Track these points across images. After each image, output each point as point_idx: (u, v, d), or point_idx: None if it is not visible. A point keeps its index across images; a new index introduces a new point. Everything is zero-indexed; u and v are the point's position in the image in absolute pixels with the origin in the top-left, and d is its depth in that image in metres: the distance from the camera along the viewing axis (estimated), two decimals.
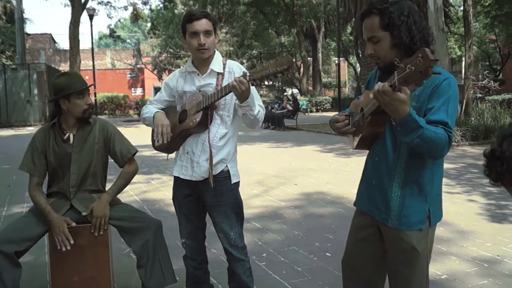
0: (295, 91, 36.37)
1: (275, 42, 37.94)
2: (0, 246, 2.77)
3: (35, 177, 3.11)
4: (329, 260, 4.11)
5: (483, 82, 17.15)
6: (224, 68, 2.86)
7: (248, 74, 2.53)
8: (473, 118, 13.83)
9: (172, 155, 3.05)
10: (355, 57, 36.17)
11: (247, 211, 5.83)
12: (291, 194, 6.87)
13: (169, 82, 2.99)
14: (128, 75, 40.36)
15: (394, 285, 2.20)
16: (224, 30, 28.80)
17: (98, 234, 2.99)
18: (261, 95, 36.99)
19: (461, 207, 5.92)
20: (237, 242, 2.89)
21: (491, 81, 16.96)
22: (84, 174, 3.14)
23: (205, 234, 3.08)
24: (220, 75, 2.84)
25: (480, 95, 22.26)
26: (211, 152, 2.77)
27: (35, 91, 23.66)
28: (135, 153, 3.29)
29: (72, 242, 2.93)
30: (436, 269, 3.85)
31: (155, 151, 3.03)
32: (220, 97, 2.68)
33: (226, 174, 2.84)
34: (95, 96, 25.81)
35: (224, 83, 2.74)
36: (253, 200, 6.46)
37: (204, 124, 2.77)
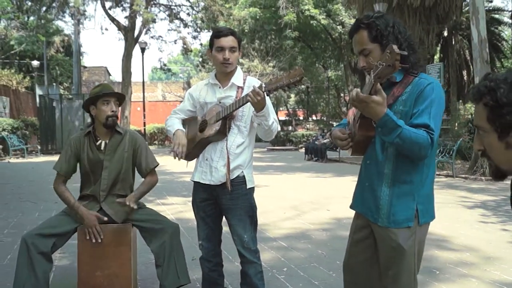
0: None
1: (323, 77, 38.18)
2: (36, 243, 3.07)
3: (62, 176, 3.43)
4: None
5: None
6: (244, 83, 3.10)
7: (263, 85, 2.75)
8: None
9: (192, 162, 3.27)
10: None
11: (276, 232, 6.01)
12: (322, 218, 6.96)
13: (193, 93, 3.25)
14: None
15: (385, 284, 2.30)
16: (271, 64, 29.33)
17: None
18: (307, 129, 37.18)
19: (492, 235, 5.84)
20: (250, 245, 3.06)
21: None
22: (114, 180, 3.42)
23: (220, 238, 3.26)
24: (240, 88, 3.07)
25: None
26: (228, 158, 2.99)
27: (89, 120, 24.64)
28: (156, 166, 3.55)
29: (102, 236, 3.23)
30: None
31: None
32: (238, 107, 2.91)
33: (241, 179, 3.04)
34: (144, 125, 26.66)
35: None
36: (284, 222, 6.58)
37: (223, 133, 3.00)
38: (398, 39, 2.16)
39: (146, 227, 3.28)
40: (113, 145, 3.44)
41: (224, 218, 3.18)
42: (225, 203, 3.06)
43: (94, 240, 3.21)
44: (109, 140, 3.45)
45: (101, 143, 3.44)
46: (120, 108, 3.50)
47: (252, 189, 3.13)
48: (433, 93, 2.10)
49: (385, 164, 2.21)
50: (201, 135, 3.09)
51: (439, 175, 13.17)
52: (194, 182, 3.18)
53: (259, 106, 2.79)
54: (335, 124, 38.36)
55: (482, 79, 1.48)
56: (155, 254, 3.22)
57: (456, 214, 7.26)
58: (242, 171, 3.06)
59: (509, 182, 1.70)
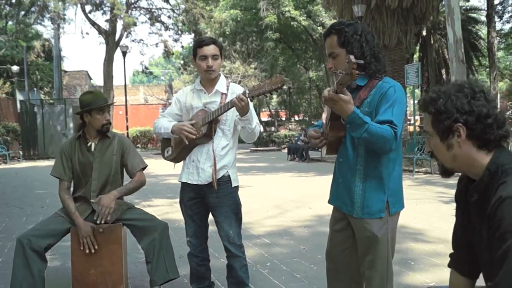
0: None
1: (304, 78, 38.51)
2: (30, 242, 3.23)
3: (65, 181, 3.58)
4: None
5: (508, 113, 17.20)
6: (227, 89, 3.31)
7: (247, 92, 2.97)
8: None
9: (179, 165, 3.47)
10: None
11: (260, 229, 6.22)
12: (304, 216, 7.18)
13: (180, 98, 3.45)
14: (160, 110, 41.47)
15: (363, 271, 2.53)
16: (252, 66, 29.54)
17: (100, 222, 3.39)
18: (289, 129, 37.49)
19: None
20: (235, 240, 3.28)
21: None
22: (104, 181, 3.60)
23: (207, 235, 3.47)
24: (224, 95, 3.29)
25: None
26: (214, 159, 3.20)
27: (71, 125, 24.55)
28: (145, 167, 3.73)
29: (96, 247, 3.38)
30: (425, 277, 4.13)
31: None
32: (223, 112, 3.13)
33: (227, 179, 3.26)
34: (127, 129, 26.66)
35: None
36: (267, 221, 6.80)
37: (209, 136, 3.22)
38: (362, 46, 2.39)
39: (136, 226, 3.46)
40: (102, 147, 3.62)
41: (210, 215, 3.39)
42: (212, 201, 3.26)
43: (87, 251, 3.35)
44: (98, 142, 3.63)
45: (91, 144, 3.61)
46: None
47: (237, 187, 3.34)
48: (395, 94, 2.34)
49: (357, 161, 2.43)
50: None
51: (418, 172, 13.51)
52: (182, 182, 3.37)
53: (243, 111, 3.00)
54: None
55: (430, 91, 1.73)
56: (145, 250, 3.40)
57: (433, 208, 7.55)
58: (227, 171, 3.27)
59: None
